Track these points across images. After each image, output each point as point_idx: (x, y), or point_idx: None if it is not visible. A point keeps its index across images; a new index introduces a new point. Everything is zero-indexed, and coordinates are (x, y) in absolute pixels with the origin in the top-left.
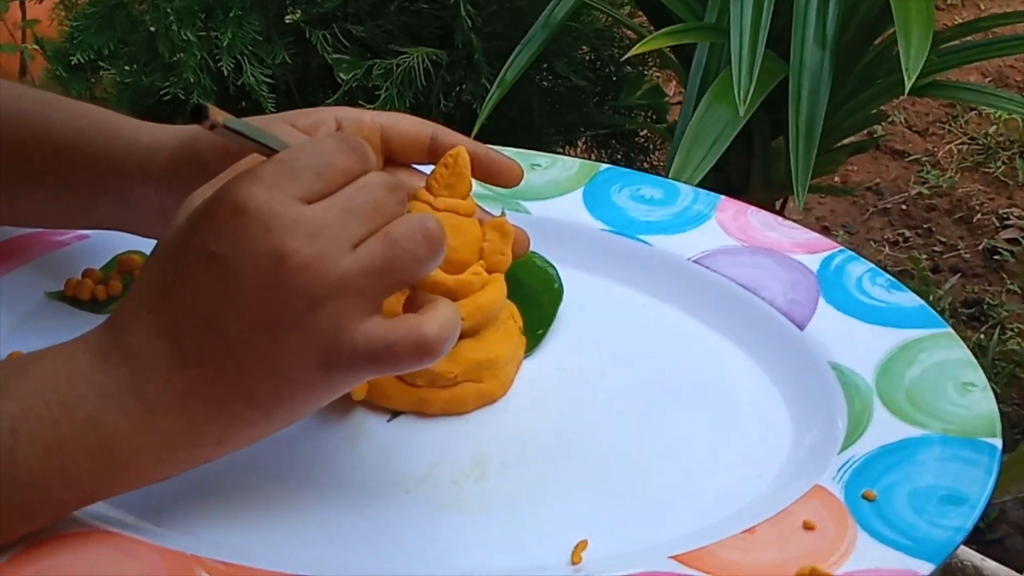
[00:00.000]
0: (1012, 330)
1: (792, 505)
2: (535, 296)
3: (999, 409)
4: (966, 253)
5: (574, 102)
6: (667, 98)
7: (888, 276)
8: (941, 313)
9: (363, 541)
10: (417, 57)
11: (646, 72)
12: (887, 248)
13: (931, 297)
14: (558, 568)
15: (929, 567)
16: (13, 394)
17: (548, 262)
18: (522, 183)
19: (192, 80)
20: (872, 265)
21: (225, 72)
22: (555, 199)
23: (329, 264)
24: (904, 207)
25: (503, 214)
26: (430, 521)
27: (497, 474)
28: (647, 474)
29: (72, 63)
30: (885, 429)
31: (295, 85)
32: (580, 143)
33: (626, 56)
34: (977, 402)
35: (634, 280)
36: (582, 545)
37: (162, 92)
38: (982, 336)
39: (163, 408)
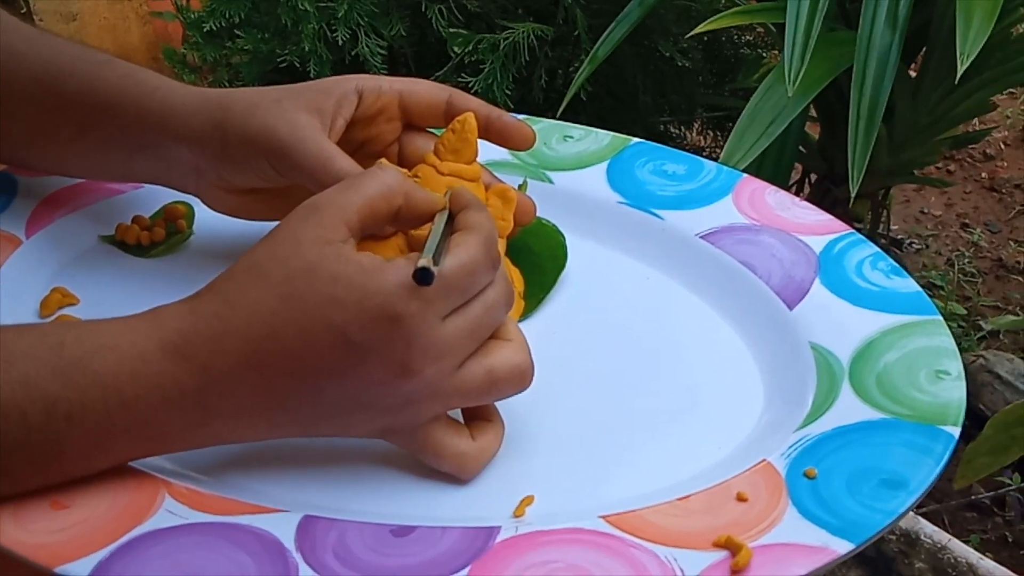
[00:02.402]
0: None
1: (733, 478)
2: (539, 262)
3: None
4: None
5: (683, 83)
6: None
7: (891, 262)
8: None
9: (317, 479)
10: (522, 32)
11: (765, 54)
12: None
13: None
14: (499, 520)
15: (847, 546)
16: (74, 383)
17: (559, 231)
18: (551, 153)
19: (308, 49)
20: (877, 250)
21: (340, 42)
22: (580, 171)
23: (438, 381)
24: None
25: (525, 182)
26: (387, 464)
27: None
28: (611, 438)
29: (206, 30)
30: (847, 411)
31: (412, 57)
32: (695, 126)
33: (690, 34)
34: (946, 390)
35: (640, 252)
36: (527, 500)
37: (279, 60)
38: None
39: (222, 415)
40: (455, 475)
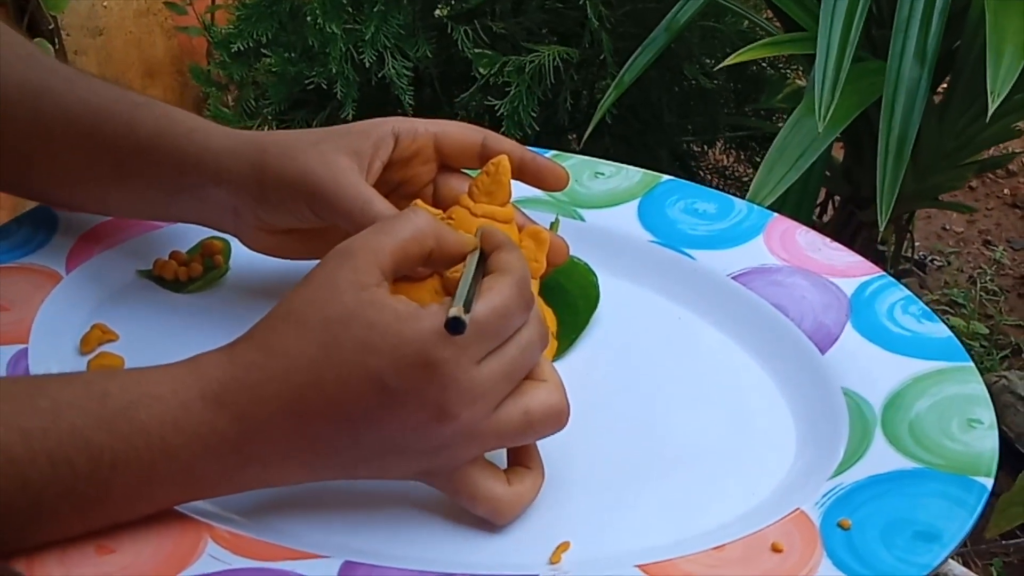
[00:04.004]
0: None
1: (767, 527)
2: (572, 302)
3: None
4: None
5: (706, 104)
6: None
7: (922, 306)
8: None
9: (355, 522)
10: (548, 55)
11: (788, 74)
12: None
13: None
14: (536, 567)
15: None
16: (119, 432)
17: (591, 270)
18: (583, 191)
19: (335, 71)
20: (909, 293)
21: (367, 64)
22: (611, 208)
23: (474, 425)
24: None
25: (557, 220)
26: (423, 507)
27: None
28: (645, 483)
29: (234, 50)
30: (880, 459)
31: (438, 78)
32: (718, 144)
33: (719, 66)
34: (978, 439)
35: (672, 292)
36: (563, 547)
37: (307, 81)
38: None
39: (261, 461)
40: (490, 520)
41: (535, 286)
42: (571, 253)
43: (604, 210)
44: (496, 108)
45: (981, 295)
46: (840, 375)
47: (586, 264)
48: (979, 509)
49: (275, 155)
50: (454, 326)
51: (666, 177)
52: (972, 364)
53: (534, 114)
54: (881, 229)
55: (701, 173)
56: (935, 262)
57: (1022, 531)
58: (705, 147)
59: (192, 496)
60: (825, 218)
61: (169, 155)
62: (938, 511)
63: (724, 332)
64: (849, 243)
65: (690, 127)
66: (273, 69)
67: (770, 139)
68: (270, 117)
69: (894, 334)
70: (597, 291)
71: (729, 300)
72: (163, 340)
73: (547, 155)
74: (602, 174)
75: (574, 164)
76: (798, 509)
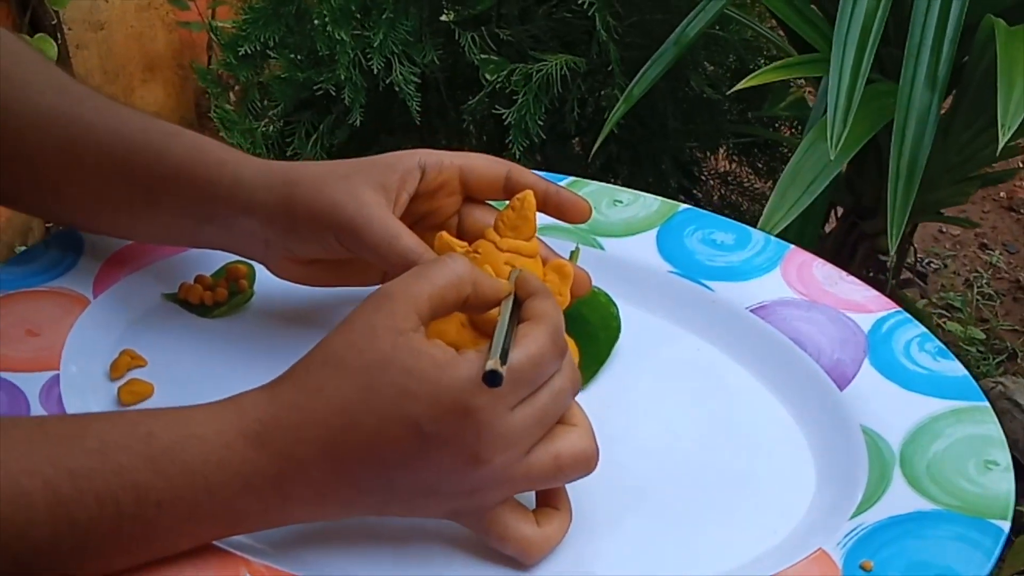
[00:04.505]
0: None
1: (791, 567)
2: (593, 332)
3: None
4: None
5: (711, 112)
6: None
7: (938, 343)
8: None
9: (387, 557)
10: (556, 64)
11: (791, 83)
12: None
13: None
14: None
15: None
16: (164, 472)
17: (611, 300)
18: (602, 219)
19: (343, 77)
20: (924, 330)
21: (375, 71)
22: (630, 237)
23: (506, 469)
24: None
25: (577, 249)
26: (454, 544)
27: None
28: (668, 519)
29: (240, 53)
30: (899, 499)
31: (444, 83)
32: (721, 151)
33: (731, 91)
34: (995, 482)
35: (691, 323)
36: None
37: (315, 87)
38: None
39: (300, 499)
40: (518, 559)
41: (560, 310)
42: (592, 283)
43: (623, 239)
44: (503, 116)
45: (977, 299)
46: (858, 412)
47: (607, 295)
48: (997, 552)
49: (305, 188)
50: (491, 379)
51: (683, 206)
52: (988, 404)
53: (541, 122)
54: (892, 253)
55: (704, 178)
56: (932, 265)
57: None
58: (708, 153)
59: (232, 531)
60: (827, 228)
61: (199, 186)
62: (957, 554)
63: (743, 365)
64: (851, 253)
65: (694, 134)
66: (282, 76)
67: (772, 146)
68: (276, 118)
69: (911, 372)
70: (618, 322)
71: (748, 333)
72: (191, 366)
73: (566, 181)
74: (620, 202)
75: (593, 191)
76: (820, 549)
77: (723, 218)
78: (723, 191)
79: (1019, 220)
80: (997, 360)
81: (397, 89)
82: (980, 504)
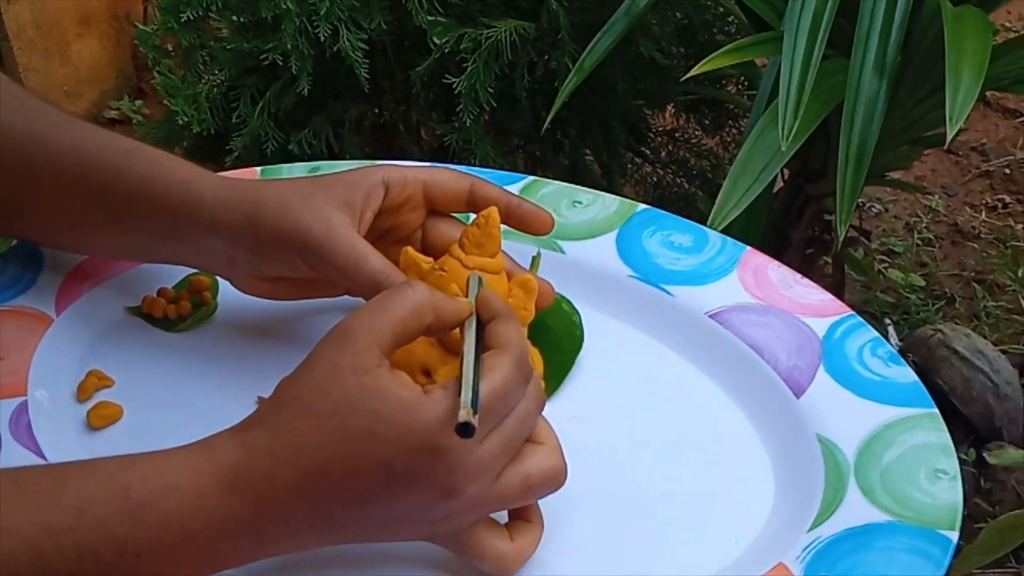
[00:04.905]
0: None
1: None
2: (557, 341)
3: None
4: None
5: (659, 72)
6: (761, 67)
7: (889, 348)
8: None
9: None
10: (505, 30)
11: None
12: (983, 214)
13: (1020, 271)
14: None
15: None
16: (142, 524)
17: (574, 308)
18: (562, 221)
19: (290, 46)
20: (876, 335)
21: (322, 38)
22: (590, 240)
23: (479, 496)
24: (1008, 171)
25: (538, 254)
26: (433, 567)
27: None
28: (633, 531)
29: (183, 20)
30: (854, 511)
31: (391, 46)
32: (669, 108)
33: (686, 76)
34: (944, 491)
35: (653, 329)
36: None
37: (262, 57)
38: None
39: (275, 539)
40: (494, 574)
41: (523, 332)
42: (555, 292)
43: (584, 242)
44: (455, 86)
45: (918, 244)
46: (815, 421)
47: (569, 302)
48: (946, 563)
49: (269, 209)
50: (464, 430)
51: (641, 206)
52: (936, 411)
53: (491, 89)
54: (841, 237)
55: (652, 136)
56: (873, 209)
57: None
58: (655, 111)
59: (211, 571)
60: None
61: (161, 205)
62: (909, 566)
63: (704, 372)
64: (798, 214)
65: (642, 93)
66: (227, 46)
67: (719, 103)
68: (220, 83)
69: (864, 379)
70: (581, 331)
71: (707, 339)
72: (158, 384)
73: (524, 182)
74: (580, 203)
75: (552, 192)
76: (780, 563)
77: (681, 219)
78: (671, 148)
79: (957, 163)
80: (936, 306)
81: (344, 56)
82: (931, 514)
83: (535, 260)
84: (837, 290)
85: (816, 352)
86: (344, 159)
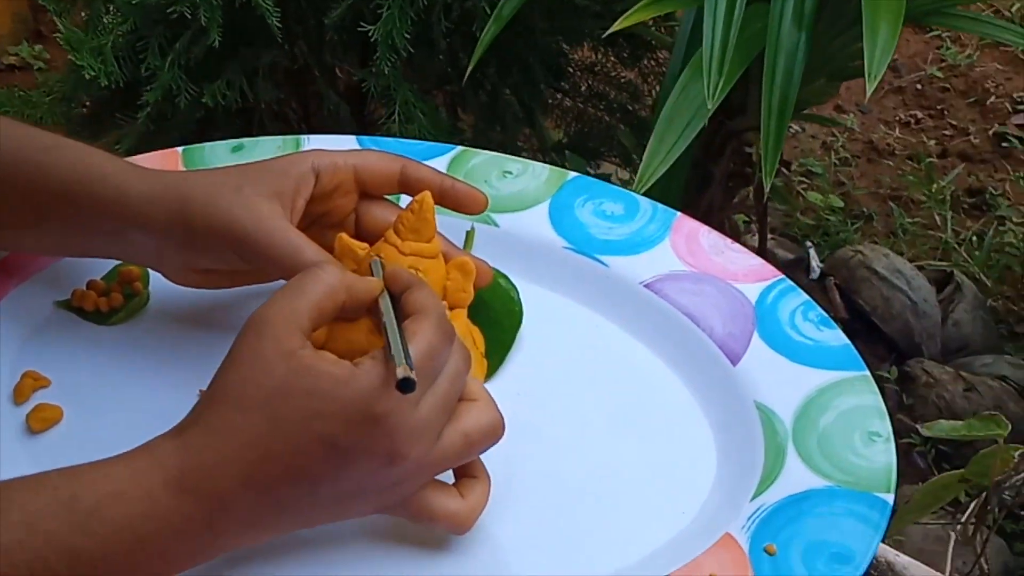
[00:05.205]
0: (1010, 221)
1: (702, 555)
2: (497, 319)
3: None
4: (976, 138)
5: (576, 13)
6: None
7: (820, 312)
8: (942, 202)
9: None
10: None
11: None
12: (897, 130)
13: (934, 186)
14: None
15: None
16: (93, 532)
17: (511, 283)
18: (493, 192)
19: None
20: (807, 298)
21: None
22: (523, 212)
23: (422, 458)
24: (919, 86)
25: (472, 230)
26: (385, 537)
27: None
28: (580, 505)
29: None
30: (794, 477)
31: None
32: (586, 43)
33: (608, 33)
34: (879, 453)
35: (590, 300)
36: None
37: (169, 11)
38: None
39: (229, 532)
40: (451, 533)
41: (462, 314)
42: (492, 270)
43: (517, 214)
44: (371, 35)
45: (835, 164)
46: (752, 388)
47: (507, 277)
48: (884, 525)
49: (199, 204)
50: (405, 385)
51: (572, 174)
52: (868, 373)
53: (408, 36)
54: (767, 188)
55: (571, 71)
56: (791, 129)
57: None
58: (573, 46)
59: (168, 572)
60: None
61: (85, 202)
62: (849, 531)
63: (643, 343)
64: (720, 150)
65: (559, 30)
66: (133, 2)
67: (636, 36)
68: (126, 32)
69: (796, 343)
70: (520, 307)
71: (644, 309)
72: (96, 381)
73: (452, 153)
74: (510, 172)
75: (482, 161)
76: (727, 533)
77: (611, 186)
78: (591, 82)
79: None
80: (855, 225)
81: (255, 5)
82: (867, 478)
83: (469, 235)
84: (761, 220)
85: (750, 318)
86: (259, 107)
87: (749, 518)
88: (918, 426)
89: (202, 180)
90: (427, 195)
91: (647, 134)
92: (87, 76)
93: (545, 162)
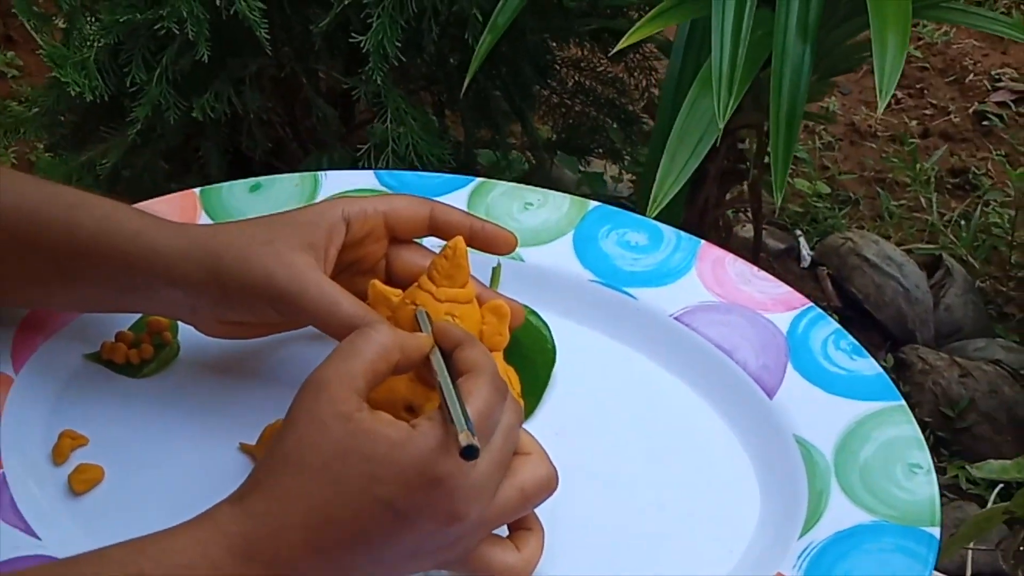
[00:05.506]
0: (995, 201)
1: None
2: (531, 357)
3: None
4: (956, 117)
5: (565, 15)
6: None
7: (851, 340)
8: (927, 184)
9: None
10: None
11: None
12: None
13: (918, 167)
14: None
15: None
16: None
17: (542, 320)
18: (516, 226)
19: (185, 13)
20: (837, 326)
21: (217, 2)
22: (547, 245)
23: (481, 516)
24: None
25: (499, 266)
26: None
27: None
28: (627, 547)
29: None
30: (840, 513)
31: (288, 5)
32: (572, 39)
33: (614, 51)
34: (921, 486)
35: (620, 333)
36: None
37: (156, 27)
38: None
39: None
40: None
41: (499, 357)
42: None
43: (541, 247)
44: (362, 45)
45: (819, 148)
46: (790, 421)
47: (537, 315)
48: (933, 560)
49: (231, 260)
50: (468, 453)
51: (593, 204)
52: (904, 403)
53: (399, 44)
54: (777, 205)
55: (557, 67)
56: None
57: None
58: (559, 43)
59: None
60: None
61: (115, 258)
62: (899, 567)
63: (677, 376)
64: (714, 149)
65: (545, 28)
66: (120, 19)
67: (622, 32)
68: (108, 46)
69: (831, 374)
70: (553, 345)
71: (676, 342)
72: (135, 438)
73: (472, 185)
74: (531, 204)
75: (502, 193)
76: (778, 573)
77: (632, 214)
78: (577, 77)
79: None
80: (843, 211)
81: (243, 17)
82: (912, 511)
83: (496, 272)
84: (756, 215)
85: (783, 349)
86: (247, 116)
87: (799, 556)
88: (969, 467)
89: (231, 233)
90: (460, 241)
91: (635, 128)
92: (73, 93)
93: (535, 160)
